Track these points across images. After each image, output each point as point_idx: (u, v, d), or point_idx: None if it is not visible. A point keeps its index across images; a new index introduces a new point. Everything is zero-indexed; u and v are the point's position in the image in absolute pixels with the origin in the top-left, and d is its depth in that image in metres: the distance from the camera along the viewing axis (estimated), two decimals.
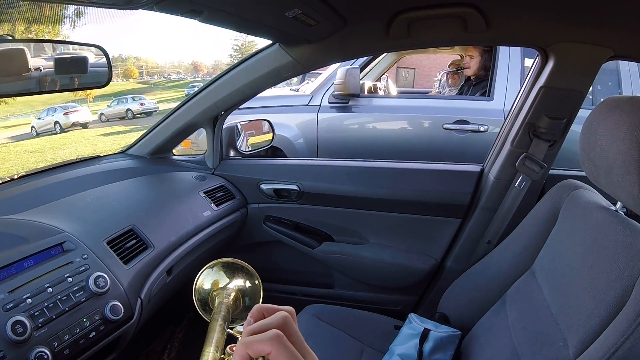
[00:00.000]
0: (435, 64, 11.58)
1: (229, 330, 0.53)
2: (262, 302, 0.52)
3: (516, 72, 2.73)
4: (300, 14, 0.98)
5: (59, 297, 0.85)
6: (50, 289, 0.85)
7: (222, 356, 0.48)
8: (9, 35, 0.95)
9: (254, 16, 1.02)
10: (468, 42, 1.51)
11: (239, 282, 0.61)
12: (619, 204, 0.90)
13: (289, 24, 1.06)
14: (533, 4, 1.10)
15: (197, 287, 0.61)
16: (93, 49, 1.12)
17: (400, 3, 1.15)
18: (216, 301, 0.58)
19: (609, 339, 0.68)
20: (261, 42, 1.37)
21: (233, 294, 0.59)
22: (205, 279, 0.61)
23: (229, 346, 0.49)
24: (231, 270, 0.62)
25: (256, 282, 0.62)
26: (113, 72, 1.19)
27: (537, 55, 1.32)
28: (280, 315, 0.43)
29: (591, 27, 1.15)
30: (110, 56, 1.14)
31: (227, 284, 0.61)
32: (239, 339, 0.45)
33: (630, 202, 0.77)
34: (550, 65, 1.26)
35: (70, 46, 1.19)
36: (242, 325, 0.47)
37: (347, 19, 1.19)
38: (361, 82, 3.08)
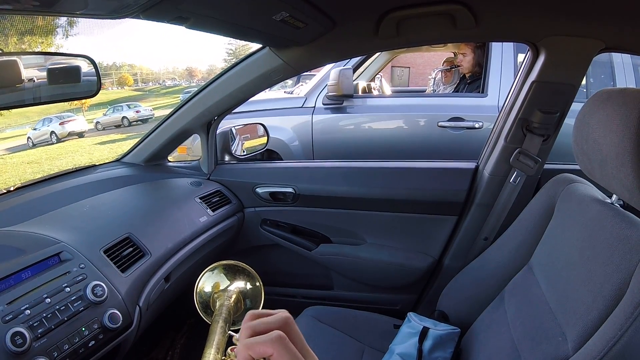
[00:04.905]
0: (429, 62, 11.59)
1: (230, 332, 0.53)
2: (263, 305, 0.52)
3: (509, 67, 2.74)
4: (288, 17, 0.98)
5: (58, 307, 0.85)
6: (48, 300, 0.85)
7: (222, 357, 0.49)
8: None
9: (241, 21, 1.03)
10: (458, 39, 1.51)
11: (240, 284, 0.62)
12: (614, 197, 0.89)
13: (278, 27, 1.06)
14: None
15: (198, 289, 0.61)
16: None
17: (388, 2, 1.15)
18: (217, 303, 0.59)
19: (607, 332, 0.68)
20: (255, 46, 1.37)
21: (234, 296, 0.60)
22: (207, 282, 0.62)
23: (229, 348, 0.49)
24: (232, 273, 0.62)
25: (257, 284, 0.62)
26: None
27: (528, 50, 1.32)
28: (282, 316, 0.42)
29: (581, 20, 1.15)
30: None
31: (228, 286, 0.61)
32: (239, 339, 0.44)
33: (625, 194, 0.76)
34: (541, 59, 1.26)
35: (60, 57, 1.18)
36: None
37: (335, 20, 1.19)
38: (355, 82, 3.09)
